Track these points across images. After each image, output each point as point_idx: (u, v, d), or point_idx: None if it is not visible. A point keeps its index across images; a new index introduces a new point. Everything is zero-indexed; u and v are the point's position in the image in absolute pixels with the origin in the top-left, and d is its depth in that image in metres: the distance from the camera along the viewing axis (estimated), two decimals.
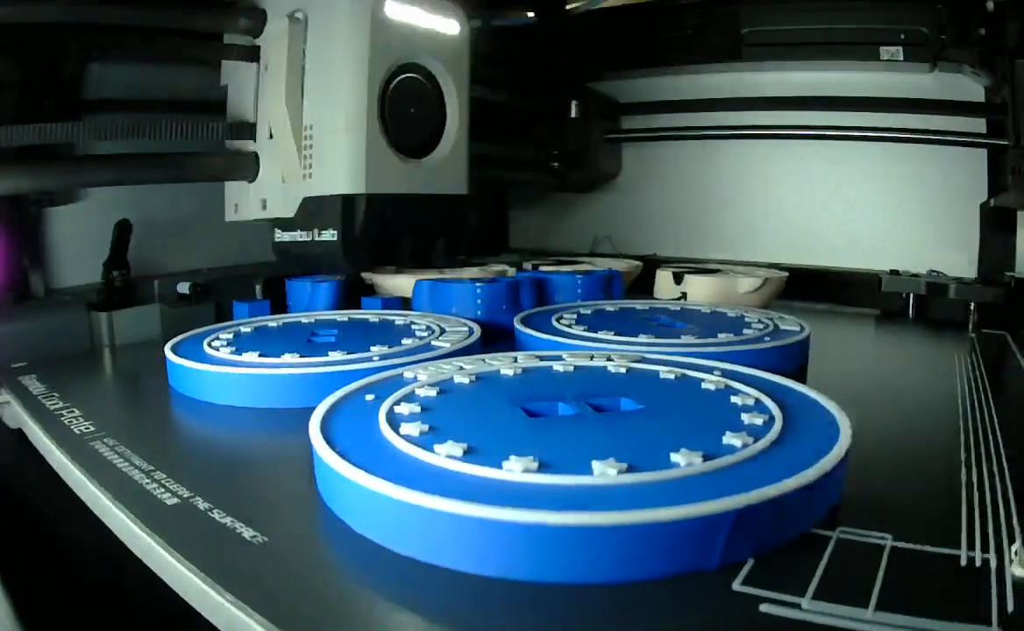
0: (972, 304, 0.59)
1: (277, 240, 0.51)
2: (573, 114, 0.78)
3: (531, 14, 0.71)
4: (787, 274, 0.60)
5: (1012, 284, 0.60)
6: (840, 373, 0.43)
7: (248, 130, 0.51)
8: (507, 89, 0.73)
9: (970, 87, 0.65)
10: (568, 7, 0.72)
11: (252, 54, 0.51)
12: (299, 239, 0.49)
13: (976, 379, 0.38)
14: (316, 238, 0.49)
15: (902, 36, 0.66)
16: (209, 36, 0.53)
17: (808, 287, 0.65)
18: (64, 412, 0.33)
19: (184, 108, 0.57)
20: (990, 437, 0.28)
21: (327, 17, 0.47)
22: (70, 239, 0.53)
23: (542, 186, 0.83)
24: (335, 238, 0.48)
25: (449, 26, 0.51)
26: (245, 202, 0.52)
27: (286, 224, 0.50)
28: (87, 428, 0.31)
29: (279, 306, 0.53)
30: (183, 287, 0.52)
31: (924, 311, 0.63)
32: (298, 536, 0.22)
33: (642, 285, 0.65)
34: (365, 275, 0.56)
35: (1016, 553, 0.19)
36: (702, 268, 0.63)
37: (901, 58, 0.66)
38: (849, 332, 0.57)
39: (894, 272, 0.64)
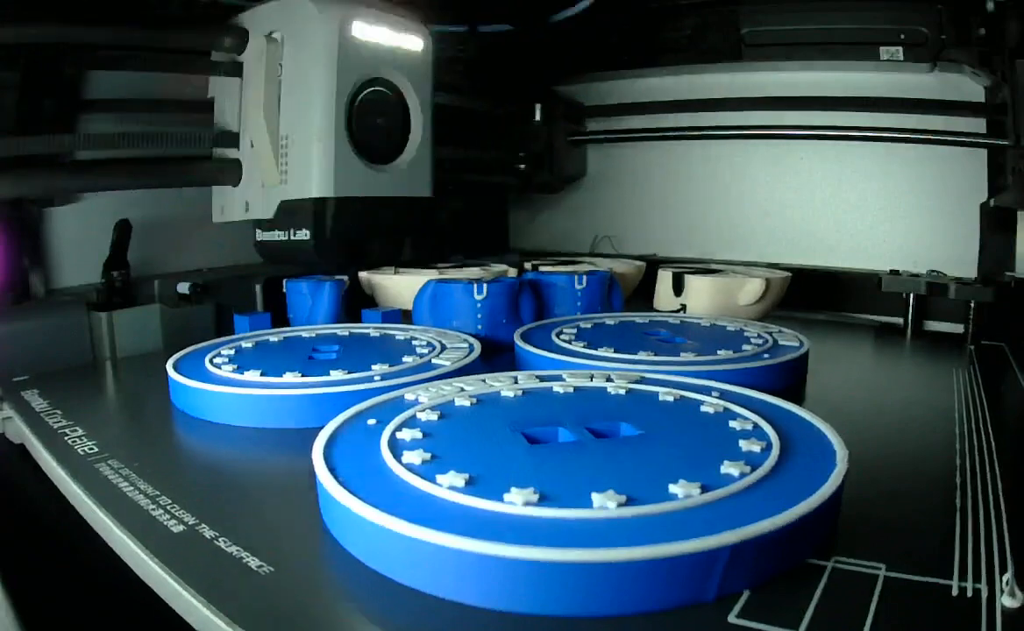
0: (972, 303, 0.59)
1: (258, 239, 0.55)
2: (537, 117, 0.80)
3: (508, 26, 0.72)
4: (789, 274, 0.60)
5: (1012, 284, 0.61)
6: (838, 390, 0.43)
7: (232, 139, 0.55)
8: (477, 95, 0.75)
9: (970, 87, 0.65)
10: (554, 18, 0.72)
11: (236, 70, 0.54)
12: (276, 238, 0.54)
13: (973, 396, 0.38)
14: (292, 237, 0.53)
15: (902, 36, 0.66)
16: (197, 53, 0.56)
17: (808, 287, 0.65)
18: (67, 431, 0.34)
19: (178, 109, 0.58)
20: (986, 459, 0.29)
21: (300, 36, 0.51)
22: (70, 239, 0.54)
23: (509, 188, 0.85)
24: (308, 237, 0.52)
25: (413, 43, 0.56)
26: (230, 205, 0.56)
27: (266, 224, 0.54)
28: (90, 448, 0.31)
29: (279, 306, 0.53)
30: (183, 287, 0.53)
31: (924, 311, 0.64)
32: (304, 566, 0.22)
33: (645, 287, 0.65)
34: (363, 275, 0.57)
35: (1007, 583, 0.20)
36: (702, 268, 0.63)
37: (901, 58, 0.66)
38: (848, 345, 0.57)
39: (894, 272, 0.64)
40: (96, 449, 0.31)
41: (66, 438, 0.33)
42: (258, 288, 0.56)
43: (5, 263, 0.48)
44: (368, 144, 0.53)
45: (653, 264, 0.65)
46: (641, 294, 0.64)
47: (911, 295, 0.62)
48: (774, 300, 0.57)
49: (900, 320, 0.63)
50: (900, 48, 0.66)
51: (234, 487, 0.29)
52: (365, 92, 0.53)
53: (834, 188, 0.72)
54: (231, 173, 0.55)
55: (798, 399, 0.38)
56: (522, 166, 0.81)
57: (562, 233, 0.89)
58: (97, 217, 0.53)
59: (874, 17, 0.66)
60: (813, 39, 0.69)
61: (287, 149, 0.51)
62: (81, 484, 0.28)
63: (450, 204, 0.77)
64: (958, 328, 0.61)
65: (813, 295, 0.68)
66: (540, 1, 0.71)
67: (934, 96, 0.66)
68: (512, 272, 0.59)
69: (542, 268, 0.63)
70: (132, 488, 0.28)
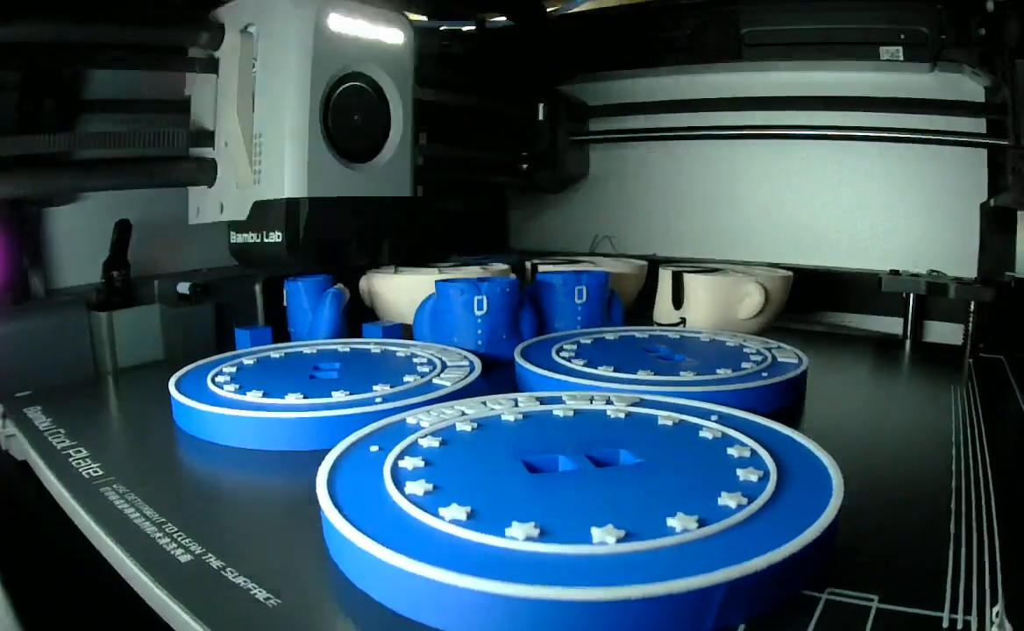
0: (972, 304, 0.59)
1: (232, 241, 0.54)
2: (540, 117, 0.79)
3: (503, 18, 0.71)
4: (790, 275, 0.59)
5: (1012, 284, 0.61)
6: (836, 410, 0.43)
7: (208, 138, 0.54)
8: (478, 93, 0.74)
9: (970, 87, 0.65)
10: (549, 9, 0.72)
11: (213, 66, 0.53)
12: (249, 240, 0.52)
13: (970, 417, 0.38)
14: (264, 240, 0.51)
15: (902, 36, 0.65)
16: (175, 49, 0.55)
17: (808, 287, 0.65)
18: (71, 452, 0.34)
19: (161, 108, 0.58)
20: (981, 484, 0.29)
21: (274, 29, 0.49)
22: (70, 239, 0.54)
23: (510, 188, 0.85)
24: (280, 240, 0.50)
25: (393, 35, 0.53)
26: (205, 206, 0.55)
27: (240, 226, 0.53)
28: (95, 471, 0.32)
29: (279, 306, 0.53)
30: (183, 287, 0.53)
31: (924, 311, 0.64)
32: (310, 598, 0.23)
33: (648, 290, 0.65)
34: (363, 280, 0.57)
35: (997, 616, 0.20)
36: (702, 268, 0.63)
37: (901, 58, 0.66)
38: (846, 360, 0.57)
39: (894, 272, 0.64)
40: (100, 472, 0.32)
41: (70, 460, 0.33)
42: (258, 288, 0.57)
43: (5, 263, 0.48)
44: (345, 142, 0.52)
45: (653, 264, 0.65)
46: (642, 297, 0.64)
47: (911, 295, 0.63)
48: (775, 311, 0.57)
49: (900, 325, 0.63)
50: (900, 48, 0.66)
51: (239, 513, 0.29)
52: (342, 87, 0.51)
53: (834, 188, 0.72)
54: (206, 173, 0.53)
55: (796, 419, 0.38)
56: (524, 166, 0.80)
57: (562, 232, 0.89)
58: (97, 217, 0.53)
59: (874, 17, 0.66)
60: (813, 39, 0.69)
61: (260, 147, 0.50)
62: (89, 511, 0.28)
63: (449, 204, 0.77)
64: (957, 331, 0.61)
65: (813, 295, 0.68)
66: None
67: (934, 96, 0.66)
68: (512, 274, 0.59)
69: (541, 267, 0.63)
70: (138, 514, 0.28)
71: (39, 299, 0.50)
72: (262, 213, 0.50)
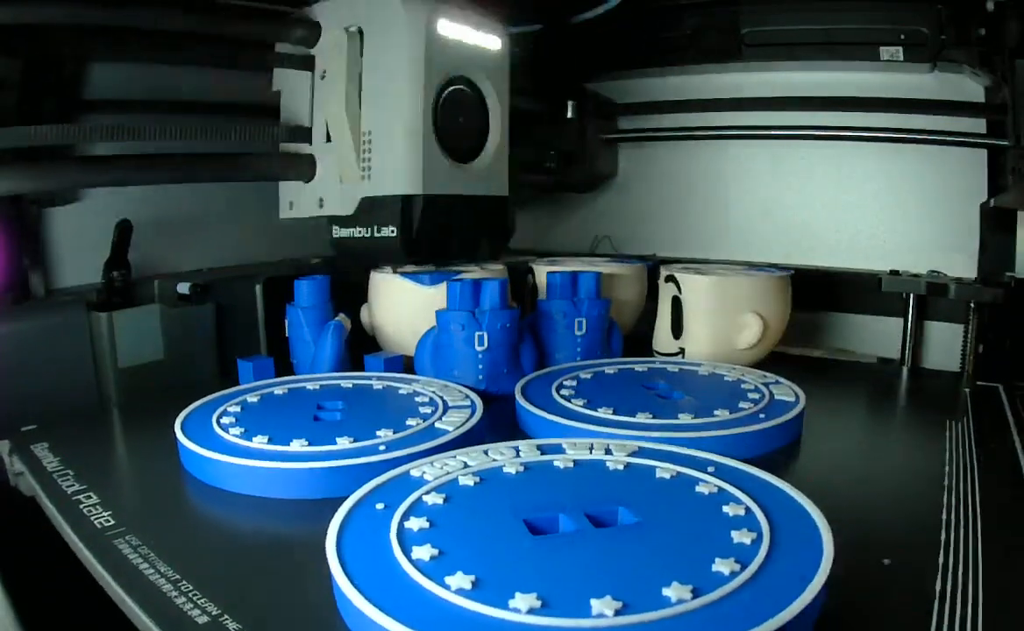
0: (972, 304, 0.59)
1: (335, 236, 0.54)
2: (569, 115, 0.78)
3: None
4: (788, 275, 0.59)
5: (1012, 284, 0.61)
6: (830, 451, 0.43)
7: (304, 134, 0.54)
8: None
9: (970, 87, 0.65)
10: (576, 19, 0.71)
11: (307, 63, 0.53)
12: (357, 235, 0.52)
13: (963, 459, 0.39)
14: (376, 235, 0.51)
15: (902, 36, 0.65)
16: (264, 44, 0.55)
17: (808, 288, 0.66)
18: (82, 498, 0.34)
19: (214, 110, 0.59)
20: (970, 536, 0.30)
21: (384, 32, 0.49)
22: (70, 239, 0.54)
23: (540, 186, 0.83)
24: (395, 234, 0.51)
25: (492, 43, 0.55)
26: (300, 200, 0.55)
27: (345, 221, 0.53)
28: (107, 521, 0.32)
29: (279, 307, 0.54)
30: (183, 287, 0.53)
31: (924, 311, 0.64)
32: None
33: (649, 290, 0.65)
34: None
35: None
36: (701, 269, 0.63)
37: (901, 58, 0.65)
38: (843, 392, 0.57)
39: (894, 272, 0.64)
40: (112, 521, 0.32)
41: (81, 506, 0.34)
42: (258, 288, 0.57)
43: (5, 263, 0.48)
44: (452, 143, 0.53)
45: (654, 265, 0.65)
46: (648, 295, 0.64)
47: (911, 295, 0.63)
48: (775, 338, 0.57)
49: (899, 326, 0.63)
50: (900, 48, 0.65)
51: (251, 567, 0.30)
52: (448, 90, 0.52)
53: (834, 188, 0.72)
54: (303, 168, 0.54)
55: (792, 460, 0.39)
56: (552, 165, 0.78)
57: (562, 233, 0.89)
58: (97, 217, 0.53)
59: (874, 17, 0.66)
60: (813, 39, 0.68)
61: (370, 145, 0.51)
62: (106, 567, 0.29)
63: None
64: (957, 332, 0.61)
65: (813, 296, 0.68)
66: (565, 2, 0.69)
67: (934, 96, 0.66)
68: (507, 274, 0.60)
69: (537, 267, 0.63)
70: (153, 570, 0.29)
71: (39, 299, 0.50)
72: (372, 209, 0.51)
